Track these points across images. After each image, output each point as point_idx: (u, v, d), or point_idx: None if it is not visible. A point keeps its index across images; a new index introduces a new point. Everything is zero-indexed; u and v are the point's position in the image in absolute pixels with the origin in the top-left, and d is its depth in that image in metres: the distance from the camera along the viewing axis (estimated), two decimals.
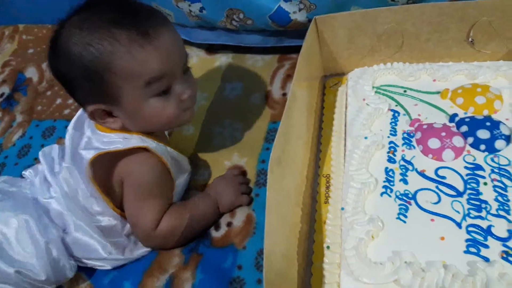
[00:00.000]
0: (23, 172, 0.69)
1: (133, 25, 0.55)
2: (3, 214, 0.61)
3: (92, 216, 0.62)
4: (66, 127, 0.82)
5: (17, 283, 0.58)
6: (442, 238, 0.49)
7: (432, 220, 0.50)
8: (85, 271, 0.64)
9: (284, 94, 0.79)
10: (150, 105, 0.59)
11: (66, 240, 0.61)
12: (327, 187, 0.62)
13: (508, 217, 0.49)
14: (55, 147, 0.69)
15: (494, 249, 0.47)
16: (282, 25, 0.79)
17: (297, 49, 0.65)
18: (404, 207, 0.52)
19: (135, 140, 0.60)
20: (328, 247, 0.55)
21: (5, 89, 0.98)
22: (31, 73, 1.00)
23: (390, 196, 0.53)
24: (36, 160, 0.81)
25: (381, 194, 0.53)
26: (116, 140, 0.61)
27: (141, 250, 0.64)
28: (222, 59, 0.88)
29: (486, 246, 0.47)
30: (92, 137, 0.63)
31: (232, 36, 0.88)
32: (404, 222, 0.50)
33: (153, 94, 0.58)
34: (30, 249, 0.59)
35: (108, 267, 0.63)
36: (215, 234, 0.64)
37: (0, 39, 1.11)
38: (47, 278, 0.59)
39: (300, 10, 0.75)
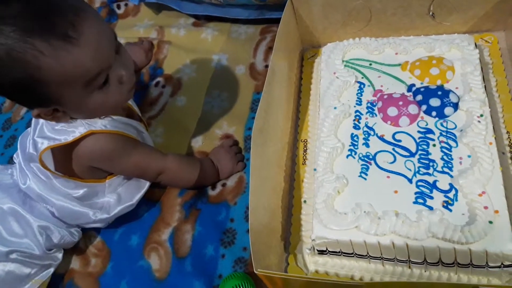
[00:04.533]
0: (14, 156, 0.73)
1: (50, 29, 0.51)
2: None
3: (67, 190, 0.67)
4: None
5: (14, 260, 0.64)
6: (396, 192, 0.57)
7: (388, 177, 0.59)
8: (96, 230, 0.74)
9: (267, 66, 0.86)
10: (93, 99, 0.58)
11: (55, 213, 0.67)
12: (305, 151, 0.72)
13: (451, 173, 0.57)
14: (29, 131, 0.69)
15: (437, 199, 0.55)
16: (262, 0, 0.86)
17: (278, 21, 0.71)
18: (365, 166, 0.60)
19: (80, 128, 0.60)
20: (305, 201, 0.65)
21: None
22: None
23: (354, 157, 0.62)
24: None
25: (347, 156, 0.62)
26: (63, 129, 0.61)
27: (125, 205, 0.70)
28: (208, 32, 0.95)
29: (431, 198, 0.56)
30: (44, 123, 0.63)
31: (218, 9, 0.94)
32: (365, 179, 0.59)
33: (94, 90, 0.57)
34: (19, 231, 0.65)
35: (101, 225, 0.71)
36: (211, 192, 0.73)
37: None
38: (43, 253, 0.66)
39: None
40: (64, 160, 0.64)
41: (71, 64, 0.53)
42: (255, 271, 0.51)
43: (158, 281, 0.66)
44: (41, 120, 0.63)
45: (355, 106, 0.67)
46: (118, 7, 1.05)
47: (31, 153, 0.65)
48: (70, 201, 0.67)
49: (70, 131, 0.61)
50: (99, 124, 0.62)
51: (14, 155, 0.72)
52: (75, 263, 0.72)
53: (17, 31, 0.50)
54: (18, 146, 0.70)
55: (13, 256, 0.65)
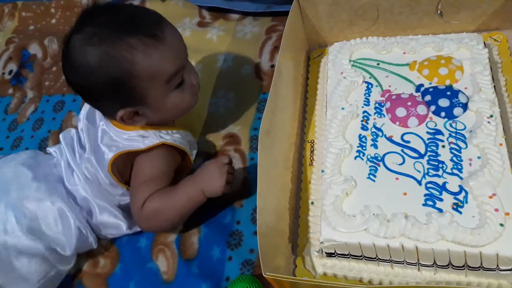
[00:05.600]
0: (47, 149, 0.74)
1: (140, 30, 0.60)
2: (40, 196, 0.66)
3: (113, 197, 0.69)
4: (74, 100, 0.90)
5: (43, 256, 0.65)
6: (405, 194, 0.57)
7: (397, 179, 0.58)
8: None
9: (272, 66, 0.86)
10: (171, 98, 0.65)
11: (91, 221, 0.68)
12: (312, 151, 0.71)
13: (460, 174, 0.57)
14: (73, 132, 0.72)
15: (447, 201, 0.55)
16: None
17: (285, 14, 0.71)
18: (374, 168, 0.60)
19: (152, 138, 0.66)
20: (312, 203, 0.65)
21: (13, 66, 1.04)
22: (34, 49, 1.05)
23: (362, 159, 0.61)
24: (51, 131, 0.89)
25: (355, 157, 0.62)
26: (135, 138, 0.66)
27: None
28: (213, 32, 0.94)
29: (441, 200, 0.55)
30: (109, 132, 0.67)
31: (226, 2, 0.94)
32: (374, 181, 0.59)
33: (172, 88, 0.64)
34: (60, 228, 0.66)
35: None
36: None
37: (1, 17, 1.14)
38: (72, 254, 0.67)
39: None
40: (123, 165, 0.68)
41: (158, 59, 0.61)
42: (263, 275, 0.50)
43: (166, 283, 0.66)
44: (106, 130, 0.68)
45: (363, 107, 0.67)
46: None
47: (87, 158, 0.67)
48: (114, 210, 0.68)
49: (143, 140, 0.66)
50: (169, 137, 0.68)
51: (52, 150, 0.72)
52: (84, 264, 0.72)
53: (111, 33, 0.59)
54: (63, 143, 0.71)
55: (46, 252, 0.65)
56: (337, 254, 0.58)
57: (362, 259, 0.57)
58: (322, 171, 0.63)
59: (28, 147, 0.87)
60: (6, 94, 1.00)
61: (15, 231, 0.64)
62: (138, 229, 0.70)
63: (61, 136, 0.73)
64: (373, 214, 0.56)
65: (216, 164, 0.67)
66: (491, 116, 0.60)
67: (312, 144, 0.72)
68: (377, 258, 0.56)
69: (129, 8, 0.65)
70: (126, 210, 0.70)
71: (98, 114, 0.70)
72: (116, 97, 0.63)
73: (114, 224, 0.69)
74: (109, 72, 0.60)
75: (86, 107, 0.72)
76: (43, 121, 0.91)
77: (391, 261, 0.56)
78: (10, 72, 1.04)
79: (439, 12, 0.74)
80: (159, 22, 0.63)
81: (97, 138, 0.68)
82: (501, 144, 0.58)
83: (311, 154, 0.71)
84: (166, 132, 0.68)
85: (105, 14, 0.62)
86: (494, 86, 0.64)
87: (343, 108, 0.66)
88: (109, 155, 0.66)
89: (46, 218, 0.66)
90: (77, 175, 0.68)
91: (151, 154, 0.67)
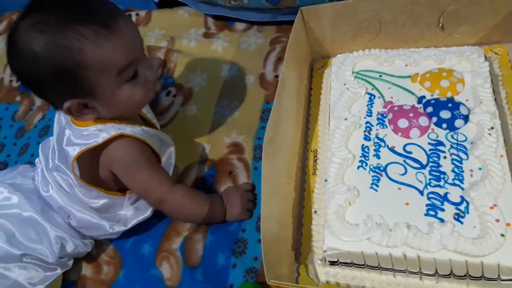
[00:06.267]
0: (36, 160, 0.75)
1: (93, 19, 0.57)
2: (13, 209, 0.68)
3: (88, 200, 0.69)
4: None
5: (25, 264, 0.67)
6: (407, 204, 0.57)
7: (399, 188, 0.59)
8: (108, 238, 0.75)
9: (276, 76, 0.87)
10: (122, 91, 0.62)
11: (72, 224, 0.69)
12: (315, 161, 0.72)
13: (462, 185, 0.57)
14: (51, 140, 0.72)
15: (448, 212, 0.56)
16: (275, 3, 0.87)
17: (289, 23, 0.73)
18: (376, 178, 0.61)
19: (110, 130, 0.63)
20: (315, 212, 0.66)
21: None
22: None
23: (365, 169, 0.62)
24: None
25: (358, 167, 0.63)
26: (93, 133, 0.63)
27: (141, 217, 0.71)
28: (218, 43, 0.96)
29: (442, 210, 0.56)
30: (71, 132, 0.65)
31: (232, 11, 0.96)
32: (376, 190, 0.60)
33: (124, 81, 0.61)
34: (35, 237, 0.67)
35: (115, 237, 0.73)
36: None
37: (10, 24, 1.16)
38: (58, 259, 0.68)
39: None
40: (90, 165, 0.66)
41: (110, 50, 0.58)
42: (267, 282, 0.51)
43: None
44: (67, 131, 0.65)
45: (365, 118, 0.68)
46: (129, 16, 1.06)
47: (57, 164, 0.67)
48: (90, 212, 0.68)
49: (100, 134, 0.63)
50: (129, 129, 0.65)
51: (37, 160, 0.74)
52: (88, 270, 0.73)
53: (60, 21, 0.56)
54: (40, 153, 0.72)
55: (27, 259, 0.67)
56: (340, 262, 0.59)
57: (364, 267, 0.58)
58: (325, 180, 0.64)
59: (35, 154, 0.88)
60: (14, 102, 1.01)
61: None
62: (122, 229, 0.71)
63: (40, 146, 0.74)
64: (376, 224, 0.56)
65: (239, 191, 0.71)
66: (492, 128, 0.61)
67: (315, 154, 0.73)
68: (379, 267, 0.57)
69: None
70: (103, 212, 0.70)
71: (64, 117, 0.68)
72: (63, 87, 0.60)
73: (96, 225, 0.69)
74: (55, 61, 0.57)
75: (56, 113, 0.70)
76: (49, 128, 0.92)
77: (393, 270, 0.57)
78: (18, 80, 1.05)
79: (440, 25, 0.76)
80: (114, 13, 0.60)
81: (63, 141, 0.66)
82: (502, 156, 0.59)
83: (314, 164, 0.72)
84: (126, 125, 0.65)
85: (53, 3, 0.58)
86: (495, 99, 0.65)
87: (346, 119, 0.67)
88: (71, 157, 0.64)
89: (21, 229, 0.68)
90: (50, 183, 0.69)
91: (114, 147, 0.64)
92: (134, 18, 1.06)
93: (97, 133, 0.63)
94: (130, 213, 0.72)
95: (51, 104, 0.66)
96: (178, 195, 0.68)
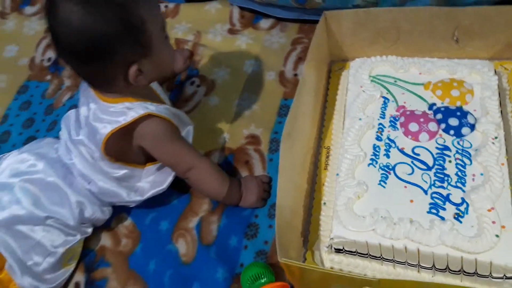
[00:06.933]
0: (60, 133, 0.78)
1: None
2: (38, 174, 0.73)
3: (109, 170, 0.73)
4: None
5: (48, 227, 0.72)
6: (411, 201, 0.62)
7: (405, 187, 0.64)
8: (127, 212, 0.80)
9: (295, 75, 0.92)
10: (165, 48, 0.68)
11: (92, 190, 0.74)
12: (327, 157, 0.77)
13: (464, 188, 0.62)
14: (72, 113, 0.76)
15: (449, 211, 0.60)
16: (301, 3, 0.92)
17: (312, 23, 0.77)
18: (385, 175, 0.65)
19: (138, 109, 0.67)
20: (324, 203, 0.71)
21: (51, 54, 1.10)
22: None
23: (375, 166, 0.67)
24: None
25: (368, 164, 0.67)
26: (120, 111, 0.67)
27: (157, 189, 0.75)
28: (242, 39, 1.00)
29: (444, 209, 0.60)
30: (96, 107, 0.69)
31: (261, 7, 1.00)
32: (384, 187, 0.64)
33: (164, 38, 0.67)
34: (58, 201, 0.72)
35: (132, 205, 0.77)
36: None
37: (43, 6, 1.21)
38: (78, 224, 0.73)
39: None
40: (117, 141, 0.69)
41: (153, 7, 0.66)
42: (279, 260, 0.56)
43: (184, 265, 0.72)
44: (92, 105, 0.69)
45: (378, 119, 0.72)
46: None
47: (80, 139, 0.72)
48: (110, 181, 0.73)
49: (129, 112, 0.66)
50: (154, 108, 0.68)
51: (60, 132, 0.78)
52: (107, 241, 0.78)
53: None
54: (62, 126, 0.76)
55: (50, 222, 0.72)
56: (345, 250, 0.64)
57: (367, 257, 0.63)
58: (337, 174, 0.68)
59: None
60: (44, 80, 1.06)
61: (24, 205, 0.71)
62: (138, 198, 0.75)
63: (62, 118, 0.78)
64: (381, 217, 0.61)
65: (257, 181, 0.76)
66: (496, 137, 0.65)
67: (328, 150, 0.78)
68: (381, 257, 0.62)
69: None
70: (122, 181, 0.74)
71: (90, 91, 0.71)
72: (130, 43, 0.62)
73: (114, 192, 0.74)
74: (121, 17, 0.60)
75: (82, 86, 0.74)
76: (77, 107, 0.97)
77: (393, 261, 0.62)
78: (49, 59, 1.10)
79: (455, 38, 0.80)
80: None
81: (89, 115, 0.70)
82: (502, 164, 0.63)
83: (326, 159, 0.77)
84: (151, 104, 0.69)
85: None
86: (501, 111, 0.69)
87: (360, 119, 0.72)
88: (101, 134, 0.68)
89: (45, 192, 0.73)
90: (72, 152, 0.73)
91: (142, 126, 0.69)
92: (163, 9, 1.10)
93: (125, 111, 0.67)
94: (147, 185, 0.76)
95: (96, 84, 0.68)
96: (204, 164, 0.74)
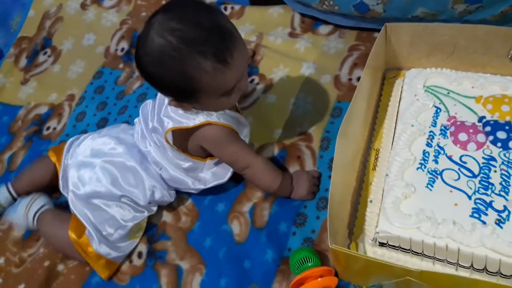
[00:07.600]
0: (135, 120, 0.88)
1: (214, 53, 0.66)
2: (117, 158, 0.83)
3: (178, 161, 0.82)
4: None
5: (122, 204, 0.81)
6: (456, 205, 0.66)
7: (451, 191, 0.68)
8: (188, 193, 0.88)
9: (350, 79, 0.97)
10: (219, 102, 0.73)
11: (163, 176, 0.83)
12: (376, 158, 0.82)
13: (507, 196, 0.66)
14: (149, 103, 0.85)
15: (491, 217, 0.64)
16: (362, 13, 0.97)
17: (369, 31, 0.83)
18: (432, 179, 0.70)
19: (201, 117, 0.75)
20: (371, 201, 0.76)
21: (124, 45, 1.20)
22: None
23: (423, 170, 0.71)
24: None
25: (417, 168, 0.72)
26: (187, 115, 0.75)
27: (218, 181, 0.83)
28: (301, 43, 1.06)
29: (486, 214, 0.64)
30: (169, 106, 0.77)
31: (322, 14, 1.06)
32: (431, 190, 0.69)
33: (222, 96, 0.72)
34: (133, 183, 0.82)
35: (195, 192, 0.85)
36: None
37: (120, 0, 1.32)
38: (147, 204, 0.82)
39: (377, 4, 0.93)
40: (181, 138, 0.79)
41: (222, 82, 0.69)
42: (329, 246, 0.62)
43: (237, 244, 0.79)
44: (166, 101, 0.77)
45: (430, 127, 0.77)
46: (225, 8, 1.19)
47: (155, 127, 0.80)
48: (178, 170, 0.82)
49: (192, 118, 0.75)
50: (215, 116, 0.76)
51: (136, 120, 0.88)
52: (168, 218, 0.86)
53: (189, 48, 0.65)
54: (140, 114, 0.86)
55: (124, 200, 0.82)
56: (388, 244, 0.69)
57: (409, 252, 0.68)
58: (387, 175, 0.73)
59: (132, 115, 1.03)
60: (117, 68, 1.16)
61: (104, 183, 0.81)
62: (201, 187, 0.83)
63: (140, 107, 0.87)
64: (426, 216, 0.66)
65: (308, 176, 0.82)
66: None
67: (377, 152, 0.83)
68: (422, 253, 0.67)
69: (211, 19, 0.67)
70: (188, 171, 0.83)
71: None
72: (174, 94, 0.72)
73: (181, 180, 0.82)
74: (176, 78, 0.68)
75: None
76: (146, 95, 1.06)
77: (434, 258, 0.66)
78: (122, 49, 1.20)
79: (510, 56, 0.83)
80: (232, 43, 0.67)
81: (161, 110, 0.78)
82: None
83: (375, 160, 0.82)
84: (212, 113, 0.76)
85: (189, 22, 0.65)
86: None
87: (412, 125, 0.77)
88: (165, 128, 0.76)
89: (123, 174, 0.82)
90: (148, 141, 0.82)
91: (205, 129, 0.76)
92: (229, 11, 1.18)
93: (191, 116, 0.75)
94: (209, 176, 0.84)
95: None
96: (259, 163, 0.80)
